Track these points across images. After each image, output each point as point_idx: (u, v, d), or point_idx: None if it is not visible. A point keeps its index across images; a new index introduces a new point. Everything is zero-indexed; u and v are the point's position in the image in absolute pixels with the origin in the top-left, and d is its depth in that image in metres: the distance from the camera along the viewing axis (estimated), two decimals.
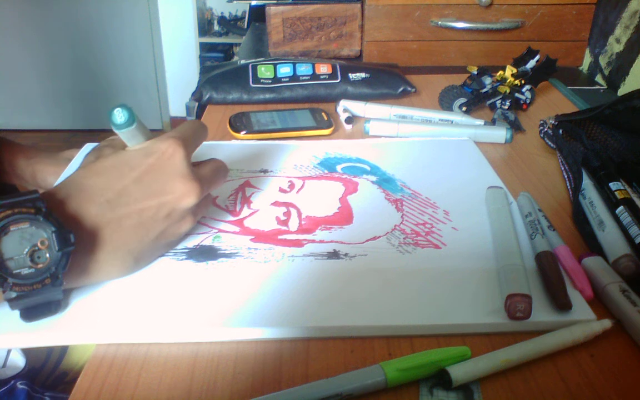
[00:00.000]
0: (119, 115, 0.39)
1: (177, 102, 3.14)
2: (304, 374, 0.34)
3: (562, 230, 0.48)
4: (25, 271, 0.34)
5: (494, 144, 0.65)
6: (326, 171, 0.58)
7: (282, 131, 0.66)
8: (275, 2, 0.95)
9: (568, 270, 0.42)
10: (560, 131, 0.62)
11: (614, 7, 0.88)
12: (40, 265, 0.34)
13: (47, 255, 0.34)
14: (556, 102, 0.80)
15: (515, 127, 0.69)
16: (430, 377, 0.34)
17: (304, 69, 0.79)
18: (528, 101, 0.75)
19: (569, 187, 0.55)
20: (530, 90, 0.75)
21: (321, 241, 0.46)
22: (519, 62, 0.77)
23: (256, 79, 0.78)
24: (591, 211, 0.49)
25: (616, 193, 0.48)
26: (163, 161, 0.40)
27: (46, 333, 0.36)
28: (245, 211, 0.50)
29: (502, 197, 0.50)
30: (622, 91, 0.85)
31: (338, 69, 0.79)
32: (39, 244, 0.34)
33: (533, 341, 0.35)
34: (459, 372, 0.33)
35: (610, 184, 0.49)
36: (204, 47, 2.96)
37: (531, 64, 0.76)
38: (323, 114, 0.70)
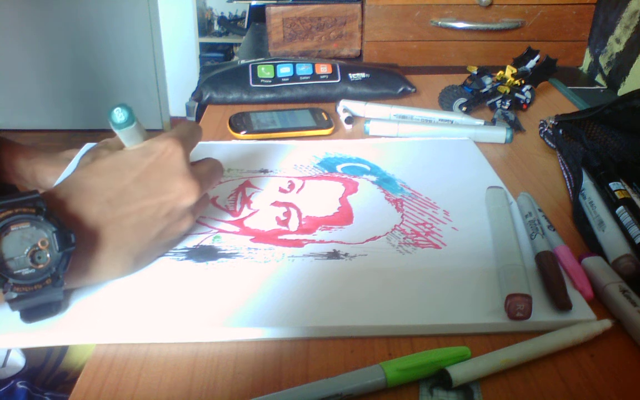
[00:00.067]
0: (119, 115, 0.39)
1: (177, 102, 3.14)
2: (304, 374, 0.34)
3: (562, 230, 0.48)
4: (25, 271, 0.34)
5: (494, 144, 0.65)
6: (326, 171, 0.58)
7: (282, 131, 0.66)
8: (275, 2, 0.95)
9: (568, 270, 0.42)
10: (560, 131, 0.62)
11: (614, 7, 0.88)
12: (40, 266, 0.34)
13: (48, 255, 0.34)
14: (556, 102, 0.80)
15: (515, 127, 0.69)
16: (430, 377, 0.34)
17: (304, 69, 0.79)
18: (528, 101, 0.75)
19: (569, 187, 0.55)
20: (530, 90, 0.75)
21: (321, 241, 0.46)
22: (519, 62, 0.77)
23: (256, 79, 0.78)
24: (591, 211, 0.49)
25: (616, 193, 0.48)
26: (163, 160, 0.40)
27: (46, 333, 0.36)
28: (245, 211, 0.50)
29: (502, 197, 0.50)
30: (622, 91, 0.85)
31: (338, 69, 0.79)
32: (39, 244, 0.34)
33: (533, 341, 0.35)
34: (459, 372, 0.33)
35: (610, 184, 0.49)
36: (204, 47, 2.96)
37: (531, 64, 0.76)
38: (323, 114, 0.70)
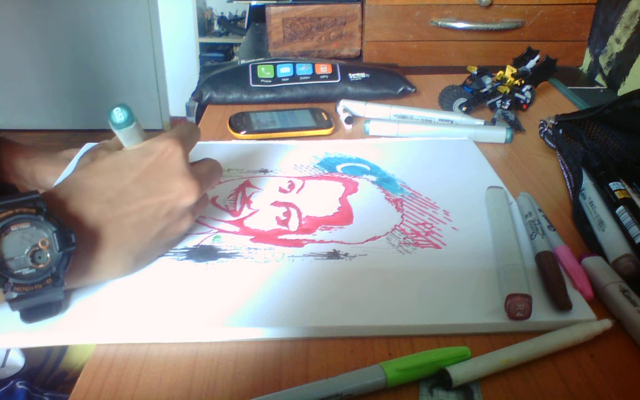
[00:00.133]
0: (119, 115, 0.39)
1: (177, 102, 3.14)
2: (304, 374, 0.34)
3: (562, 230, 0.48)
4: (26, 271, 0.34)
5: (494, 144, 0.65)
6: (326, 171, 0.58)
7: (282, 131, 0.66)
8: (275, 2, 0.95)
9: (568, 270, 0.42)
10: (560, 131, 0.62)
11: (614, 7, 0.88)
12: (41, 266, 0.34)
13: (48, 255, 0.34)
14: (556, 102, 0.80)
15: (515, 127, 0.69)
16: (430, 377, 0.34)
17: (304, 69, 0.79)
18: (528, 101, 0.75)
19: (569, 187, 0.55)
20: (530, 90, 0.75)
21: (321, 241, 0.46)
22: (519, 62, 0.77)
23: (256, 79, 0.78)
24: (591, 211, 0.49)
25: (616, 193, 0.48)
26: (162, 160, 0.40)
27: (46, 333, 0.36)
28: (245, 211, 0.50)
29: (502, 197, 0.50)
30: (622, 91, 0.85)
31: (338, 69, 0.79)
32: (39, 244, 0.34)
33: (533, 341, 0.35)
34: (459, 372, 0.33)
35: (610, 184, 0.49)
36: (204, 47, 2.96)
37: (531, 64, 0.76)
38: (323, 114, 0.70)
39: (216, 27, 3.04)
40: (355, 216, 0.50)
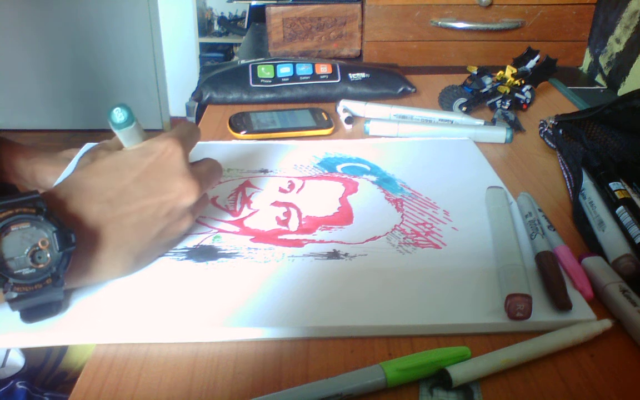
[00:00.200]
0: (119, 115, 0.39)
1: (177, 102, 3.14)
2: (304, 374, 0.34)
3: (562, 230, 0.48)
4: (26, 271, 0.34)
5: (494, 144, 0.65)
6: (326, 171, 0.58)
7: (282, 131, 0.66)
8: (275, 2, 0.95)
9: (568, 270, 0.42)
10: (560, 131, 0.62)
11: (614, 7, 0.88)
12: (41, 266, 0.34)
13: (48, 255, 0.34)
14: (556, 102, 0.80)
15: (515, 127, 0.69)
16: (430, 377, 0.34)
17: (304, 69, 0.79)
18: (528, 101, 0.75)
19: (569, 187, 0.55)
20: (530, 90, 0.75)
21: (321, 241, 0.46)
22: (519, 62, 0.77)
23: (256, 79, 0.78)
24: (591, 211, 0.49)
25: (616, 193, 0.48)
26: (162, 160, 0.40)
27: (46, 333, 0.36)
28: (245, 211, 0.50)
29: (502, 197, 0.50)
30: (622, 91, 0.85)
31: (338, 69, 0.79)
32: (39, 244, 0.34)
33: (533, 341, 0.35)
34: (459, 372, 0.33)
35: (610, 184, 0.49)
36: (204, 47, 2.96)
37: (531, 64, 0.76)
38: (323, 114, 0.70)
39: (216, 27, 3.04)
40: (355, 216, 0.50)
